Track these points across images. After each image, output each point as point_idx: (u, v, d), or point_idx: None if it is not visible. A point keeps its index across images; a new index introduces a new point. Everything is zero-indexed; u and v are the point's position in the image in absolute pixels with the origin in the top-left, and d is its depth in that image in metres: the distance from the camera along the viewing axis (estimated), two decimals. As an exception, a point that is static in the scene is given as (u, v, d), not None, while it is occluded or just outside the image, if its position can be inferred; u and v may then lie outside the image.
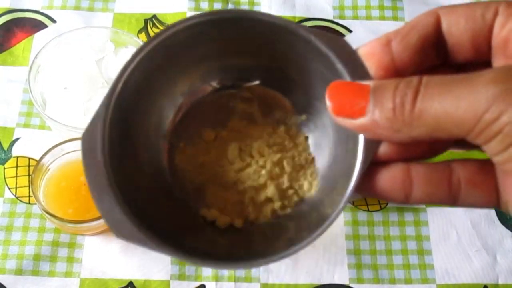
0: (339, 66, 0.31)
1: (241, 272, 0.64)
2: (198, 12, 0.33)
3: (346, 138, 0.32)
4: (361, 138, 0.30)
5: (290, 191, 0.37)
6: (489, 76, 0.25)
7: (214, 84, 0.38)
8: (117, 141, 0.33)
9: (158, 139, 0.37)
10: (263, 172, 0.36)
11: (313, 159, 0.37)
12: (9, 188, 0.67)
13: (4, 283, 0.62)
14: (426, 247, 0.66)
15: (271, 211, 0.36)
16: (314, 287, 0.64)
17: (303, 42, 0.32)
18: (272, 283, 0.63)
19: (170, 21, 0.79)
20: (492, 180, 0.29)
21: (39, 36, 0.77)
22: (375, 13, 0.80)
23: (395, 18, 0.79)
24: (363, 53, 0.31)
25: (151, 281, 0.63)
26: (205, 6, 0.80)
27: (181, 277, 0.63)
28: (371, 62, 0.30)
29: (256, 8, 0.80)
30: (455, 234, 0.67)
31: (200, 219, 0.37)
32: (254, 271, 0.64)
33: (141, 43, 0.69)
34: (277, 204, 0.36)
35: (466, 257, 0.66)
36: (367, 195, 0.31)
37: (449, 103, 0.26)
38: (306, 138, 0.38)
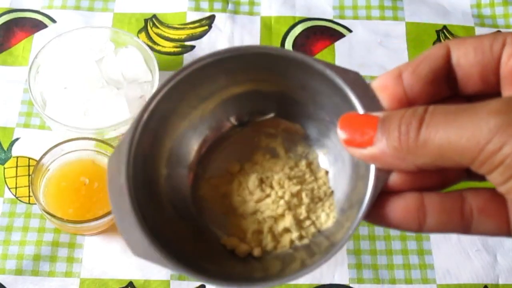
0: (354, 99, 0.32)
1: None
2: (223, 49, 0.34)
3: (364, 171, 0.33)
4: (372, 167, 0.31)
5: (308, 222, 0.38)
6: (492, 106, 0.26)
7: (233, 120, 0.40)
8: (141, 167, 0.35)
9: (183, 169, 0.39)
10: (281, 202, 0.37)
11: (332, 193, 0.38)
12: (9, 188, 0.67)
13: (4, 283, 0.62)
14: (426, 247, 0.66)
15: (289, 241, 0.38)
16: (314, 287, 0.64)
17: (319, 76, 0.33)
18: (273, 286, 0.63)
19: (170, 21, 0.79)
20: (504, 209, 0.29)
21: (39, 36, 0.77)
22: (375, 13, 0.80)
23: (395, 18, 0.79)
24: (376, 86, 0.31)
25: (151, 281, 0.63)
26: (205, 6, 0.80)
27: (181, 277, 0.63)
28: (385, 95, 0.31)
29: (256, 8, 0.80)
30: (455, 234, 0.67)
31: (220, 247, 0.38)
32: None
33: (142, 43, 0.69)
34: (294, 235, 0.37)
35: (466, 257, 0.65)
36: (380, 224, 0.31)
37: (452, 132, 0.26)
38: (327, 172, 0.39)
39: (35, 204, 0.65)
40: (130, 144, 0.34)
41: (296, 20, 0.80)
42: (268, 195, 0.38)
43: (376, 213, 0.31)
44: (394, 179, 0.30)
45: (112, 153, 0.35)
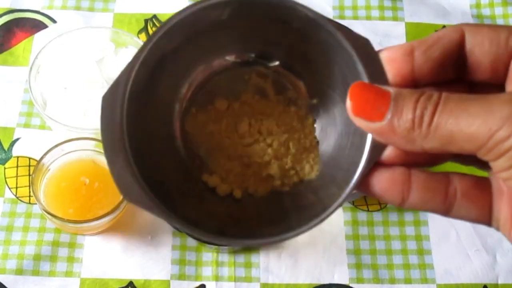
0: (359, 65, 0.32)
1: (241, 272, 0.64)
2: None
3: (353, 132, 0.34)
4: (369, 138, 0.31)
5: (292, 172, 0.38)
6: (505, 97, 0.27)
7: (235, 58, 0.39)
8: (135, 103, 0.34)
9: (174, 103, 0.39)
10: (269, 150, 0.38)
11: (317, 143, 0.38)
12: (9, 188, 0.67)
13: (4, 283, 0.62)
14: (426, 247, 0.66)
15: (270, 187, 0.38)
16: (314, 287, 0.64)
17: (329, 36, 0.33)
18: (272, 283, 0.63)
19: (170, 21, 0.79)
20: (487, 197, 0.31)
21: (40, 36, 0.77)
22: (375, 13, 0.80)
23: (395, 18, 0.80)
24: (384, 57, 0.32)
25: (151, 281, 0.63)
26: (205, 6, 0.80)
27: (181, 277, 0.63)
28: (391, 67, 0.31)
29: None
30: (454, 234, 0.67)
31: (200, 185, 0.38)
32: (254, 271, 0.64)
33: (141, 43, 0.69)
34: (277, 182, 0.38)
35: (465, 257, 0.66)
36: (364, 192, 0.32)
37: (464, 119, 0.27)
38: (314, 121, 0.39)
39: (36, 204, 0.65)
40: (126, 82, 0.34)
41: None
42: (256, 141, 0.38)
43: (362, 181, 0.32)
44: (387, 153, 0.31)
45: (107, 90, 0.34)
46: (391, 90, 0.29)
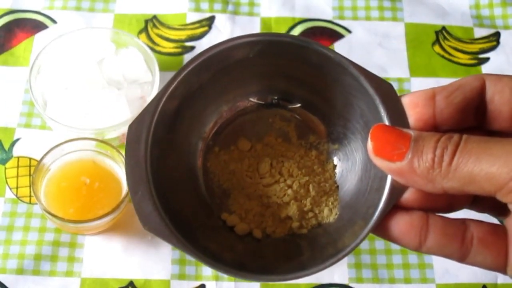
0: (381, 109, 0.33)
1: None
2: (260, 32, 0.36)
3: (372, 177, 0.35)
4: (389, 181, 0.32)
5: (310, 214, 0.38)
6: None
7: (258, 100, 0.40)
8: (160, 136, 0.35)
9: (197, 140, 0.40)
10: (289, 191, 0.38)
11: (337, 188, 0.39)
12: (10, 188, 0.68)
13: (5, 283, 0.62)
14: (425, 247, 0.66)
15: (288, 228, 0.38)
16: (314, 286, 0.64)
17: (352, 79, 0.34)
18: (272, 282, 0.64)
19: (170, 22, 0.79)
20: (503, 244, 0.31)
21: (40, 37, 0.77)
22: (375, 13, 0.80)
23: (394, 19, 0.80)
24: (406, 102, 0.32)
25: (151, 281, 0.63)
26: (205, 7, 0.80)
27: (181, 276, 0.64)
28: (413, 112, 0.32)
29: (256, 9, 0.80)
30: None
31: (219, 222, 0.39)
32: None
33: (142, 44, 0.70)
34: (295, 224, 0.38)
35: (465, 257, 0.66)
36: (381, 236, 0.32)
37: (485, 160, 0.27)
38: (335, 166, 0.40)
39: (36, 204, 0.66)
40: (152, 113, 0.35)
41: (296, 21, 0.80)
42: (277, 181, 0.39)
43: (380, 224, 0.32)
44: (406, 196, 0.32)
45: (134, 119, 0.35)
46: (412, 132, 0.30)
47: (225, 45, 0.36)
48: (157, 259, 0.64)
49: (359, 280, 0.64)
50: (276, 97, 0.40)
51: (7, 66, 0.75)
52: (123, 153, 0.63)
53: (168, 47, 0.78)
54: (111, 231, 0.65)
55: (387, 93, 0.33)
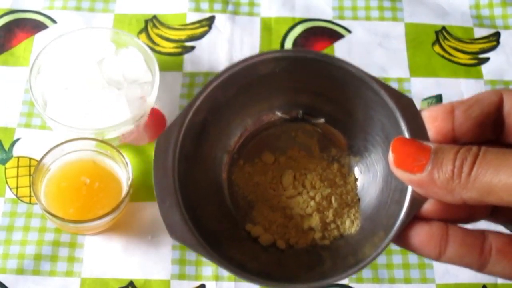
0: (402, 123, 0.34)
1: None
2: (285, 49, 0.38)
3: (393, 189, 0.36)
4: (409, 192, 0.33)
5: (333, 225, 0.39)
6: None
7: (283, 114, 0.42)
8: (188, 148, 0.37)
9: (223, 153, 0.42)
10: (312, 203, 0.40)
11: (358, 200, 0.40)
12: (10, 188, 0.68)
13: (5, 283, 0.62)
14: (425, 247, 0.66)
15: (311, 239, 0.39)
16: (314, 286, 0.64)
17: (373, 94, 0.36)
18: (272, 282, 0.64)
19: (170, 22, 0.79)
20: None
21: (40, 37, 0.77)
22: (375, 13, 0.80)
23: (394, 19, 0.80)
24: (426, 116, 0.33)
25: (151, 281, 0.63)
26: (205, 7, 0.80)
27: (181, 276, 0.64)
28: (432, 126, 0.33)
29: (256, 9, 0.80)
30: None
31: (243, 233, 0.40)
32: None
33: (142, 44, 0.70)
34: (318, 235, 0.39)
35: (465, 257, 0.66)
36: (402, 246, 0.33)
37: (503, 171, 0.28)
38: (356, 179, 0.41)
39: (36, 204, 0.66)
40: (180, 126, 0.37)
41: (296, 21, 0.80)
42: (299, 193, 0.40)
43: (401, 234, 0.33)
44: (426, 207, 0.32)
45: (162, 132, 0.37)
46: (432, 144, 0.31)
47: (251, 60, 0.37)
48: (157, 259, 0.64)
49: (359, 280, 0.64)
50: (300, 112, 0.41)
51: (7, 66, 0.75)
52: (123, 153, 0.64)
53: (168, 47, 0.78)
54: (111, 231, 0.65)
55: (407, 107, 0.34)
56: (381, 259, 0.65)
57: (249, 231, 0.40)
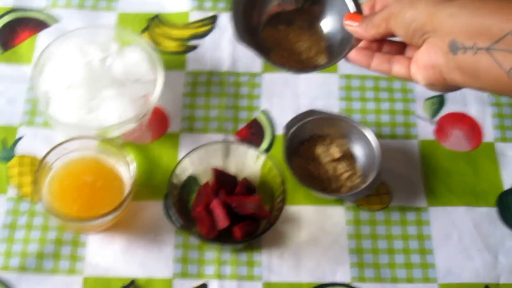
0: (351, 8, 0.58)
1: (243, 271, 0.64)
2: None
3: (347, 37, 0.57)
4: (352, 39, 0.57)
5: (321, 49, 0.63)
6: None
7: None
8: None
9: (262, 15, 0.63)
10: (312, 46, 0.62)
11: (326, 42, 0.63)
12: (13, 186, 0.68)
13: (7, 281, 0.63)
14: (428, 247, 0.66)
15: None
16: (316, 286, 0.64)
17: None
18: (275, 281, 0.64)
19: (173, 20, 0.79)
20: (407, 61, 0.54)
21: (43, 35, 0.78)
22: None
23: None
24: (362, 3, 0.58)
25: (153, 280, 0.63)
26: (208, 6, 0.80)
27: (183, 275, 0.64)
28: (366, 6, 0.57)
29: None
30: (456, 233, 0.67)
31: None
32: (257, 270, 0.64)
33: (145, 43, 0.70)
34: (321, 58, 0.62)
35: (467, 257, 0.66)
36: (349, 60, 0.57)
37: (392, 18, 0.51)
38: (321, 37, 0.63)
39: (39, 202, 0.66)
40: None
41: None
42: (306, 46, 0.63)
43: (349, 53, 0.56)
44: (361, 44, 0.56)
45: None
46: (362, 14, 0.56)
47: None
48: (159, 257, 0.64)
49: (362, 279, 0.64)
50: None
51: (10, 65, 0.76)
52: (126, 151, 0.64)
53: (171, 46, 0.78)
54: (114, 229, 0.65)
55: (355, 2, 0.59)
56: (384, 259, 0.65)
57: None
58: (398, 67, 0.54)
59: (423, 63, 0.50)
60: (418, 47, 0.51)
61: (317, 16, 0.63)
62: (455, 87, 0.51)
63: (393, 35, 0.53)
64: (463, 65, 0.47)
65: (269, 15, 0.63)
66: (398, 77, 0.55)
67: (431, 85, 0.51)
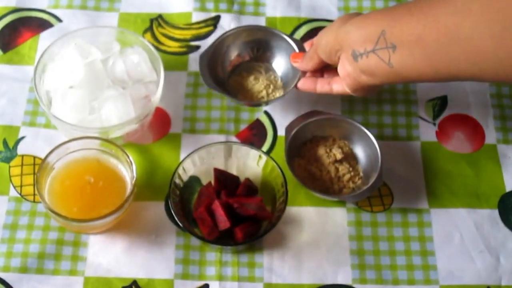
0: (296, 48, 0.72)
1: (244, 272, 0.64)
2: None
3: (295, 70, 0.71)
4: (300, 73, 0.70)
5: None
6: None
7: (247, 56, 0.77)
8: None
9: (226, 67, 0.76)
10: (269, 84, 0.75)
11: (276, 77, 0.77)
12: (14, 187, 0.68)
13: (9, 281, 0.63)
14: (429, 248, 0.66)
15: None
16: (317, 287, 0.64)
17: (283, 41, 0.74)
18: (276, 283, 0.64)
19: (175, 21, 0.79)
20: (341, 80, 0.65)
21: (45, 35, 0.78)
22: (380, 14, 0.80)
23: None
24: (305, 44, 0.72)
25: (154, 280, 0.63)
26: (210, 6, 0.80)
27: (184, 276, 0.64)
28: (307, 45, 0.71)
29: (261, 9, 0.81)
30: (458, 235, 0.67)
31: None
32: (258, 271, 0.64)
33: (147, 43, 0.70)
34: (279, 92, 0.76)
35: (469, 258, 0.66)
36: (299, 87, 0.69)
37: (320, 52, 0.64)
38: (275, 76, 0.76)
39: (40, 202, 0.66)
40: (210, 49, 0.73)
41: (301, 21, 0.80)
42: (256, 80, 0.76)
43: (298, 83, 0.69)
44: (307, 75, 0.69)
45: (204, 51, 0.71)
46: (304, 53, 0.68)
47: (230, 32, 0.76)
48: (160, 258, 0.64)
49: (363, 281, 0.64)
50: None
51: (12, 65, 0.76)
52: (128, 152, 0.64)
53: (173, 46, 0.78)
54: (115, 230, 0.65)
55: (297, 42, 0.72)
56: (385, 260, 0.65)
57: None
58: (336, 85, 0.65)
59: (342, 74, 0.62)
60: (337, 64, 0.62)
61: (270, 60, 0.76)
62: (371, 88, 0.62)
63: (326, 63, 0.64)
64: (363, 68, 0.58)
65: (232, 66, 0.75)
66: (338, 94, 0.66)
67: (354, 91, 0.63)
